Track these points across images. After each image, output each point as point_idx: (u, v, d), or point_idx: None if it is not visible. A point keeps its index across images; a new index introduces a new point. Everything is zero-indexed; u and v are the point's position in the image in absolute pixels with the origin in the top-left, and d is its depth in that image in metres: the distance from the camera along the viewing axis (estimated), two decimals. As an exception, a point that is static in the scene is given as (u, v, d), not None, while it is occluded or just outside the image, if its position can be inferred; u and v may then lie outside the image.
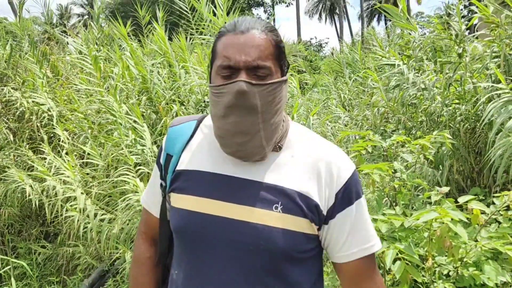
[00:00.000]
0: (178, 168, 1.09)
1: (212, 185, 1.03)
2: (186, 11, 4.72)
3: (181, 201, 1.05)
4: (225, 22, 4.06)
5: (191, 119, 1.18)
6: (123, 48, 5.43)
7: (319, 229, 1.03)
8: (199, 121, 1.16)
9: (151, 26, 5.87)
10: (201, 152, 1.09)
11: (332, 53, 18.05)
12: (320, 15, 47.30)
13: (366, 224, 1.05)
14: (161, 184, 1.16)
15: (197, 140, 1.12)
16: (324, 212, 1.01)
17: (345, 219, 1.02)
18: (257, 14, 41.57)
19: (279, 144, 1.04)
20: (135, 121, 3.85)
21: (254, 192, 1.00)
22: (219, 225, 0.99)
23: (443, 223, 1.71)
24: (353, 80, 6.81)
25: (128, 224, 3.28)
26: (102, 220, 3.50)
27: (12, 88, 5.14)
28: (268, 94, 0.96)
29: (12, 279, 3.22)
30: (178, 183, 1.08)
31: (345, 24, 41.62)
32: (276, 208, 0.98)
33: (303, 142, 1.07)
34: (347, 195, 1.02)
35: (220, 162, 1.04)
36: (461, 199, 1.87)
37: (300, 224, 0.98)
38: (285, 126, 1.07)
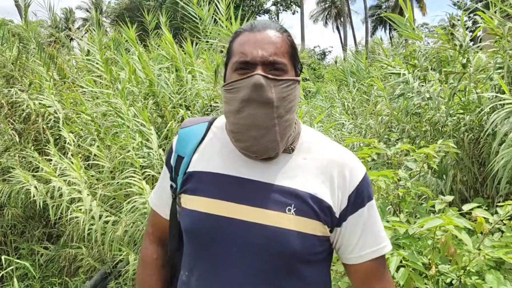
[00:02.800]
0: (189, 169, 1.09)
1: (224, 187, 1.02)
2: (194, 17, 4.75)
3: (193, 202, 1.05)
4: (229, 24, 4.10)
5: (202, 121, 1.18)
6: (130, 52, 5.48)
7: (331, 231, 1.03)
8: (210, 123, 1.16)
9: (156, 31, 5.91)
10: (213, 154, 1.09)
11: (336, 61, 18.05)
12: (326, 21, 47.43)
13: (377, 225, 1.08)
14: (171, 186, 1.16)
15: (209, 142, 1.12)
16: (337, 215, 1.02)
17: (357, 221, 1.04)
18: (262, 21, 41.69)
19: (291, 146, 1.05)
20: (142, 124, 3.88)
21: (266, 194, 1.00)
22: (232, 227, 0.99)
23: (447, 231, 1.73)
24: (357, 89, 6.81)
25: (132, 227, 3.29)
26: (106, 222, 3.51)
27: (19, 90, 5.18)
28: (283, 90, 0.98)
29: (15, 279, 3.23)
30: (190, 184, 1.07)
31: (349, 31, 41.72)
32: (289, 210, 0.98)
33: (315, 145, 1.08)
34: (359, 197, 1.03)
35: (231, 164, 1.04)
36: (466, 207, 1.88)
37: (313, 227, 0.99)
38: (297, 129, 1.07)
